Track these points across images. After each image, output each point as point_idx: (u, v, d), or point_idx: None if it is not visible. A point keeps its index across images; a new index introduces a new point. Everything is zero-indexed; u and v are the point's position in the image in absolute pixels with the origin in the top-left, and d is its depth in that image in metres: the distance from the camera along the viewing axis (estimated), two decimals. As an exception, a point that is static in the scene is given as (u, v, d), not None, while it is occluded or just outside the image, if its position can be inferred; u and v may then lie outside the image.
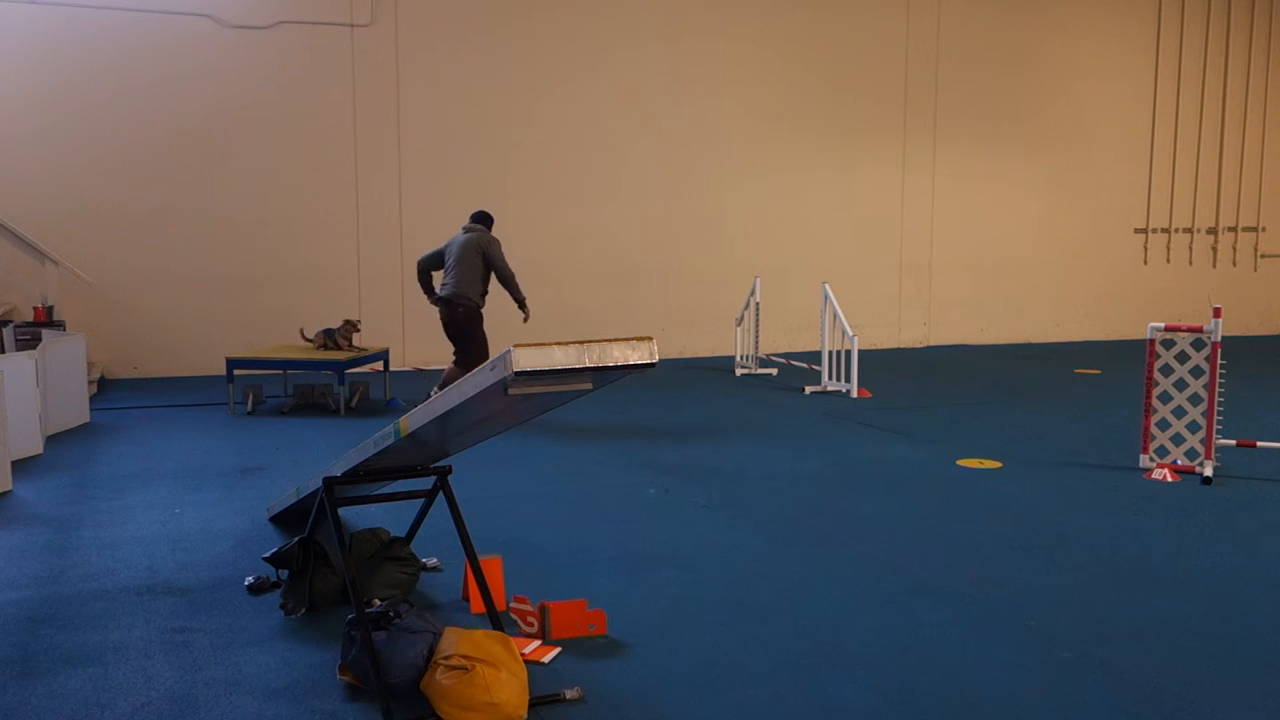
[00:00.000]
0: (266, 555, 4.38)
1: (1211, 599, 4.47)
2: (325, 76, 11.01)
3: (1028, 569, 4.86)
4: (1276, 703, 3.50)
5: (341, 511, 5.33)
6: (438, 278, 9.09)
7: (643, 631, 4.03)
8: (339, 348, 9.00)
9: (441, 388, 8.22)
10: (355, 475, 3.98)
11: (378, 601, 4.02)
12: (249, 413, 8.68)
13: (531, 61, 11.69)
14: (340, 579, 4.24)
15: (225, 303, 10.84)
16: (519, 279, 9.33)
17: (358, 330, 9.12)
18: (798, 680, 3.63)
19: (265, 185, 10.91)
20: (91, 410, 8.46)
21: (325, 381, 9.05)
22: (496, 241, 8.38)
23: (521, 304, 8.37)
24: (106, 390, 9.85)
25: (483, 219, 8.55)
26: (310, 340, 9.19)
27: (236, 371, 8.73)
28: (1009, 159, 13.86)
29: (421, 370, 11.31)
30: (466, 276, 8.22)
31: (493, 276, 8.37)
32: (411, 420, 3.62)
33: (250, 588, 4.47)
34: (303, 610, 4.19)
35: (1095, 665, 3.78)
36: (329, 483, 3.96)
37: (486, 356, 8.26)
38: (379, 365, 9.61)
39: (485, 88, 11.54)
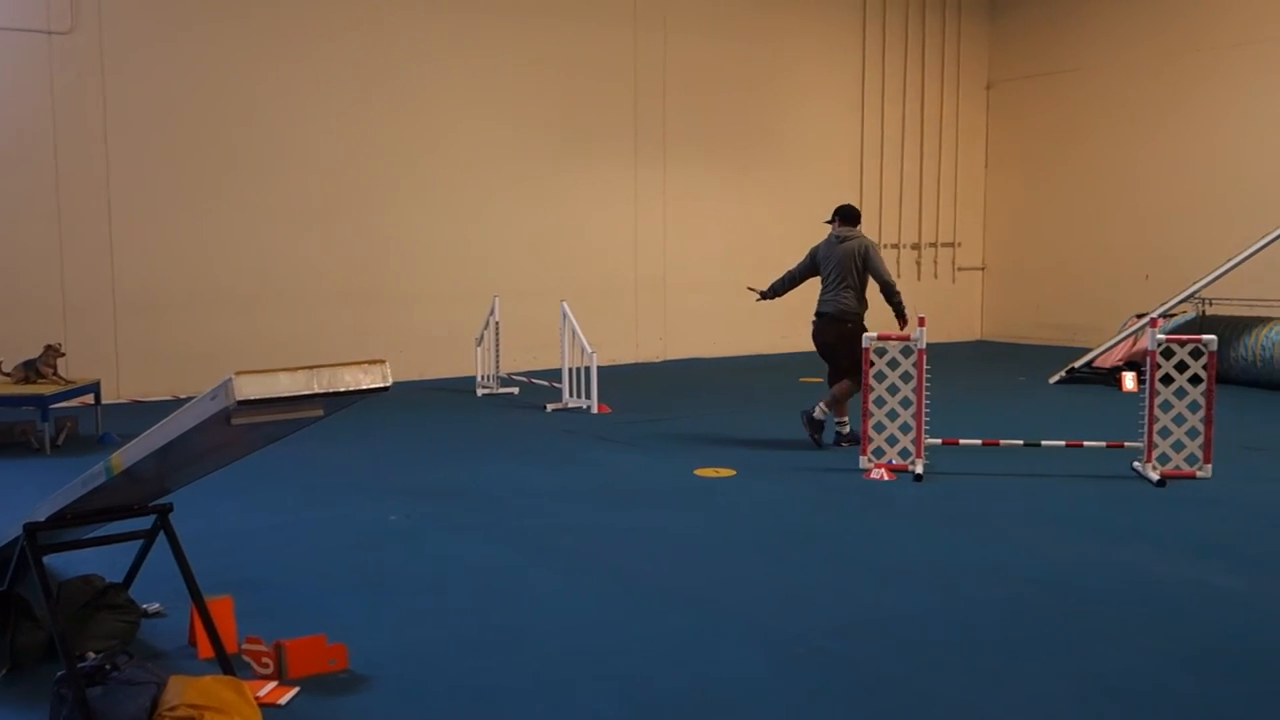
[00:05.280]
0: (-42, 613, 3.96)
1: (930, 589, 4.82)
2: (20, 88, 10.09)
3: (762, 570, 5.08)
4: (995, 682, 3.81)
5: (49, 559, 4.89)
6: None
7: (391, 662, 3.93)
8: (42, 377, 8.29)
9: (833, 405, 7.92)
10: (62, 519, 3.67)
11: (92, 654, 3.72)
12: (-65, 456, 7.83)
13: (251, 69, 11.16)
14: (47, 633, 3.90)
15: (-97, 335, 9.72)
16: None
17: (61, 355, 8.44)
18: (555, 698, 3.64)
19: (-51, 204, 9.88)
20: None
21: (27, 419, 8.28)
22: (875, 245, 7.94)
23: (901, 314, 7.82)
24: None
25: (852, 218, 8.01)
26: (9, 375, 8.41)
27: (-81, 411, 7.85)
28: (734, 179, 14.48)
29: (139, 402, 10.55)
30: (854, 290, 7.83)
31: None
32: (125, 456, 3.37)
33: (-60, 651, 4.02)
34: (5, 670, 3.85)
35: (827, 658, 4.00)
36: (30, 529, 3.63)
37: (861, 371, 7.57)
38: (89, 398, 8.89)
39: (200, 97, 10.91)
